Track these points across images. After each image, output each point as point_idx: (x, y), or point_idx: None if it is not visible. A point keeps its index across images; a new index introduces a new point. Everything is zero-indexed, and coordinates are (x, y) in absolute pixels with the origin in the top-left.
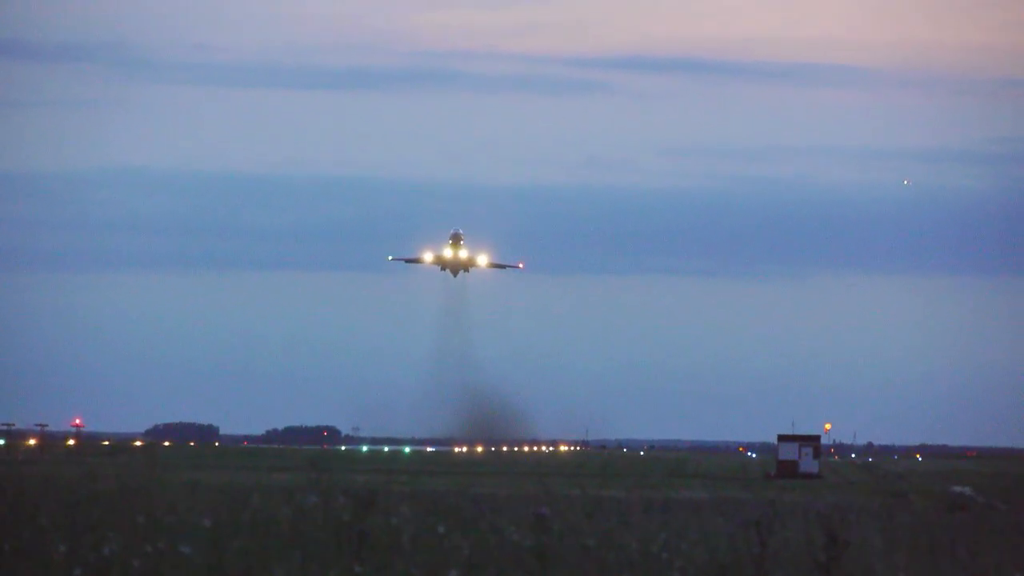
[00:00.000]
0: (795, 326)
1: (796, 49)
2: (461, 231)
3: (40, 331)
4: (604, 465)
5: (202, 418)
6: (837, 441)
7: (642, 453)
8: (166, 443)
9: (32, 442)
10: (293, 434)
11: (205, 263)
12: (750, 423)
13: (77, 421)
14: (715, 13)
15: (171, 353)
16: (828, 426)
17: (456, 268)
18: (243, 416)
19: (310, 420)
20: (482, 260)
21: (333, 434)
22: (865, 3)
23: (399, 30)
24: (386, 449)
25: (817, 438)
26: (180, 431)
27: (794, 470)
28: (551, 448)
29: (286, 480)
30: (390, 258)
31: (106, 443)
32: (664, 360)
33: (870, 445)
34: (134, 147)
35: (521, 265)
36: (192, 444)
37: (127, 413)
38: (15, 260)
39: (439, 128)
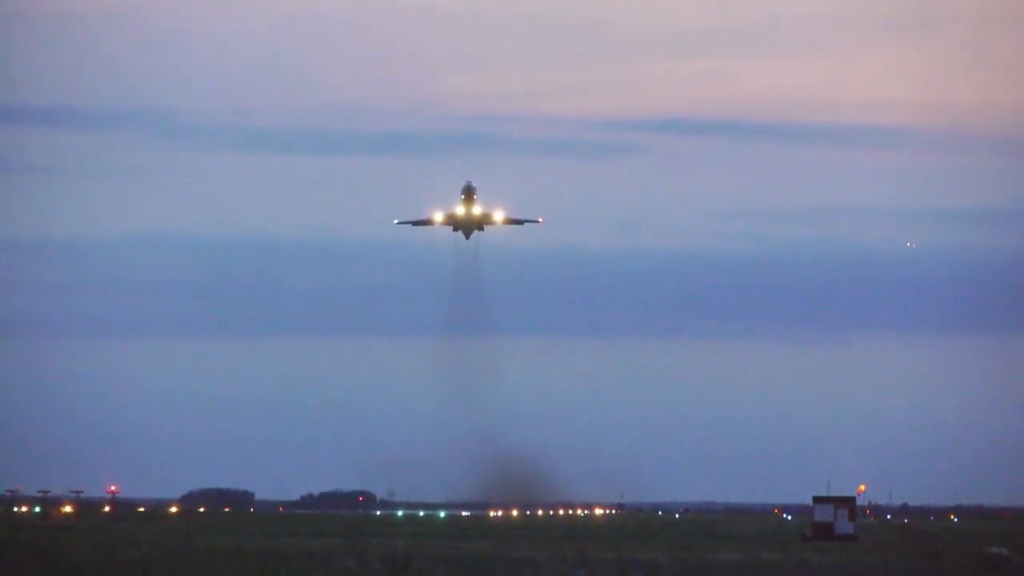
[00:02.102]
0: (830, 386)
1: (833, 111)
2: (474, 184)
3: (76, 397)
4: (640, 528)
5: (237, 484)
6: (872, 502)
7: (677, 516)
8: (201, 509)
9: (68, 509)
10: (329, 499)
11: (242, 328)
12: (785, 485)
13: (112, 488)
14: (751, 75)
15: (206, 418)
16: (863, 487)
17: (469, 226)
18: (278, 481)
19: (346, 485)
20: (498, 216)
21: (369, 499)
22: (902, 65)
23: (436, 93)
24: (421, 513)
25: (852, 499)
26: (215, 497)
27: (830, 532)
28: (586, 511)
29: (322, 546)
30: (396, 222)
31: (141, 509)
32: (700, 421)
33: (905, 506)
34: (173, 213)
35: (541, 220)
36: (227, 510)
37: (162, 479)
38: (53, 325)
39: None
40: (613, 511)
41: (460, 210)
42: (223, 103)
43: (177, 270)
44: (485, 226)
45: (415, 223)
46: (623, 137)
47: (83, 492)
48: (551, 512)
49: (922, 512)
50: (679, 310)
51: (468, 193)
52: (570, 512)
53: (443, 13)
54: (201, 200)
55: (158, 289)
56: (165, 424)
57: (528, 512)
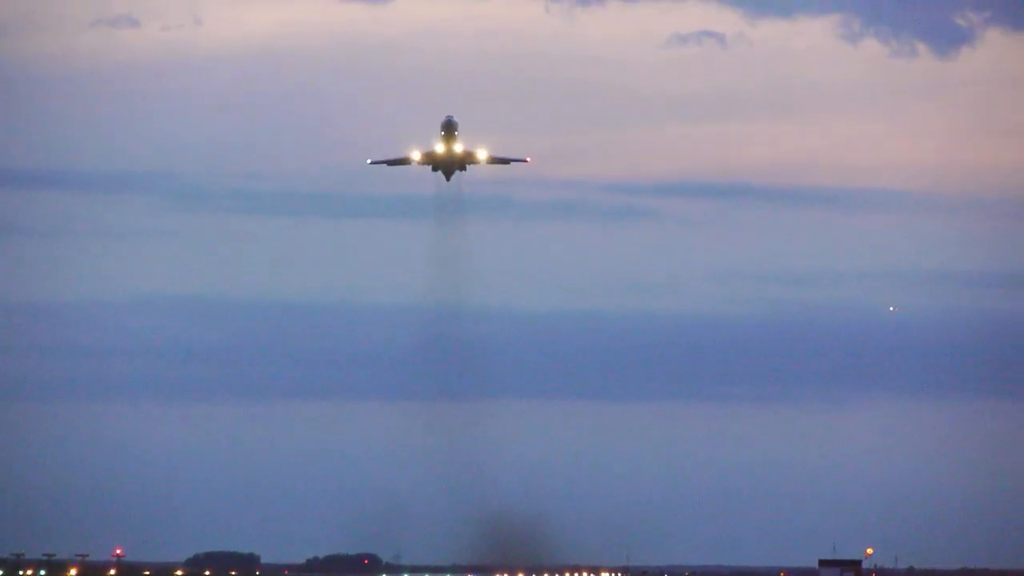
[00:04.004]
0: (837, 449)
1: (840, 174)
2: (455, 119)
3: (82, 459)
4: None
5: (243, 547)
6: (879, 566)
7: None
8: (207, 573)
9: (73, 572)
10: (334, 562)
11: (248, 391)
12: (792, 547)
13: (118, 551)
14: (759, 139)
15: (211, 481)
16: (870, 551)
17: (450, 166)
18: (284, 544)
19: (351, 548)
20: (481, 154)
21: (374, 562)
22: (910, 129)
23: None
24: None
25: (858, 563)
26: (221, 560)
27: None
28: (592, 574)
29: None
30: (370, 162)
31: (147, 573)
32: (706, 484)
33: (912, 569)
34: (182, 275)
35: (529, 159)
36: (233, 573)
37: (168, 542)
38: (58, 389)
39: (484, 254)
40: (619, 574)
41: (440, 147)
42: (232, 166)
43: (184, 333)
44: (468, 165)
45: (390, 163)
46: (629, 200)
47: (88, 555)
48: (556, 575)
49: (928, 575)
50: (685, 373)
51: (448, 129)
52: (576, 575)
53: (450, 77)
54: (210, 263)
55: (165, 352)
56: (171, 487)
57: (533, 575)
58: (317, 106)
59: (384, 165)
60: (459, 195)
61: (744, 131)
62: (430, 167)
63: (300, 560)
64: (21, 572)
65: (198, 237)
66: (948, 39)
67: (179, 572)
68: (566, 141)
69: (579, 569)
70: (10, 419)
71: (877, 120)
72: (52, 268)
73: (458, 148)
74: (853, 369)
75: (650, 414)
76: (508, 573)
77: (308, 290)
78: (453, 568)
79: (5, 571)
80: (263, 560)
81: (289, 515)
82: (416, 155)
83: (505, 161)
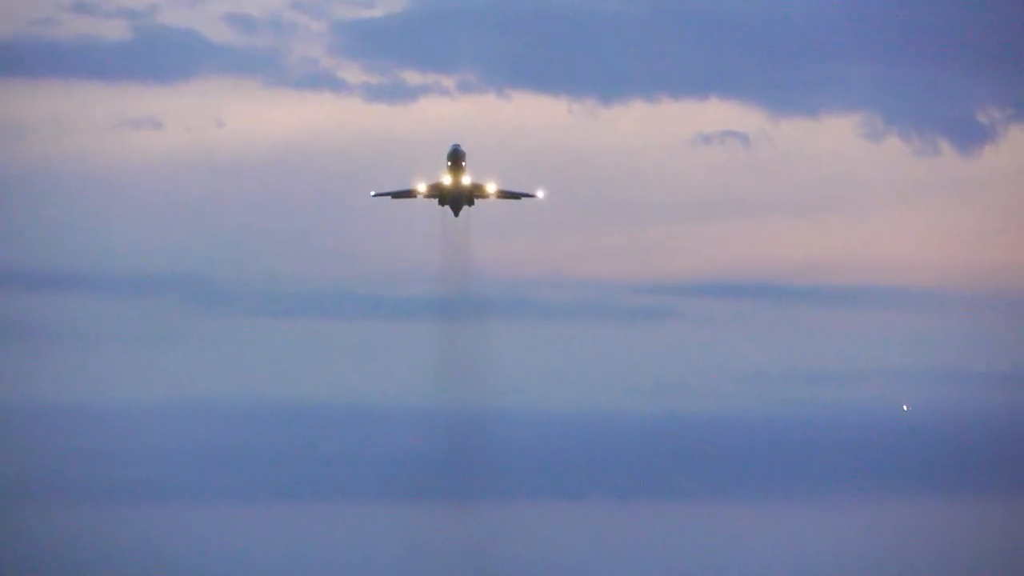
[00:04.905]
0: (865, 550)
1: (864, 272)
2: (462, 148)
3: (108, 564)
4: None
5: None
6: None
7: None
8: None
9: None
10: None
11: (274, 493)
12: None
13: None
14: (781, 238)
15: None
16: None
17: (458, 200)
18: None
19: None
20: (491, 187)
21: None
22: (933, 226)
23: (467, 258)
24: None
25: None
26: None
27: None
28: None
29: None
30: (373, 194)
31: None
32: None
33: None
34: (206, 378)
35: (540, 193)
36: None
37: None
38: (87, 493)
39: (504, 355)
40: None
41: (447, 179)
42: (255, 267)
43: (209, 436)
44: (476, 199)
45: (395, 195)
46: (652, 300)
47: None
48: None
49: None
50: (709, 473)
51: (455, 159)
52: None
53: (473, 177)
54: (234, 365)
55: (190, 455)
56: None
57: None
58: (341, 207)
59: (388, 197)
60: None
61: (767, 230)
62: (437, 200)
63: None
64: None
65: (219, 339)
66: (971, 136)
67: None
68: (588, 241)
69: None
70: (32, 521)
71: (900, 218)
72: (73, 371)
73: (466, 180)
74: (880, 468)
75: (673, 514)
76: None
77: (331, 391)
78: None
79: None
80: None
81: None
82: (422, 187)
83: (516, 196)
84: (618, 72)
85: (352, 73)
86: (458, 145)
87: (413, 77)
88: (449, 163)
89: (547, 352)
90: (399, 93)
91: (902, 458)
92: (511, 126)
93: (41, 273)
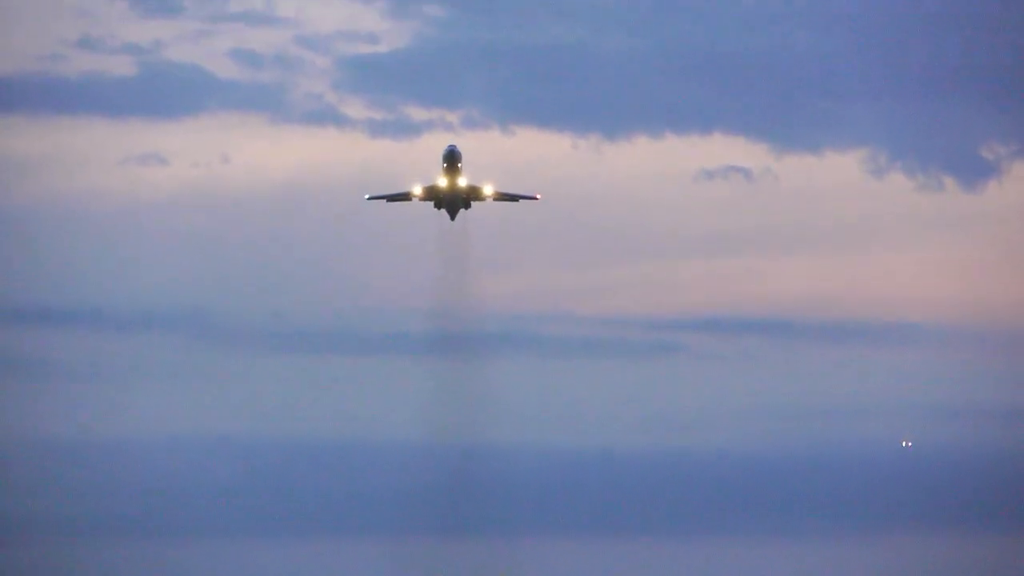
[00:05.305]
0: None
1: (868, 308)
2: (458, 149)
3: None
4: None
5: None
6: None
7: None
8: None
9: None
10: None
11: (279, 528)
12: None
13: None
14: (786, 273)
15: None
16: None
17: (454, 202)
18: None
19: None
20: (488, 189)
21: None
22: (937, 262)
23: (471, 294)
24: None
25: None
26: None
27: None
28: None
29: None
30: (368, 197)
31: None
32: None
33: None
34: (211, 415)
35: (539, 196)
36: None
37: None
38: (92, 527)
39: (510, 392)
40: None
41: (443, 181)
42: (260, 304)
43: (213, 471)
44: (473, 202)
45: (390, 198)
46: (658, 336)
47: None
48: None
49: None
50: (715, 509)
51: (451, 160)
52: None
53: (477, 212)
54: (238, 401)
55: (194, 490)
56: None
57: None
58: (345, 242)
59: (383, 201)
60: (484, 331)
61: (772, 266)
62: (432, 203)
63: None
64: None
65: (223, 375)
66: (975, 172)
67: None
68: (592, 276)
69: None
70: (37, 557)
71: (904, 254)
72: (78, 407)
73: (462, 182)
74: (887, 506)
75: (677, 550)
76: None
77: (334, 427)
78: None
79: None
80: None
81: None
82: (417, 190)
83: (514, 198)
84: (622, 108)
85: (356, 108)
86: (454, 146)
87: (417, 113)
88: (445, 164)
89: (551, 387)
90: (403, 128)
91: (905, 494)
92: (515, 163)
93: (47, 309)
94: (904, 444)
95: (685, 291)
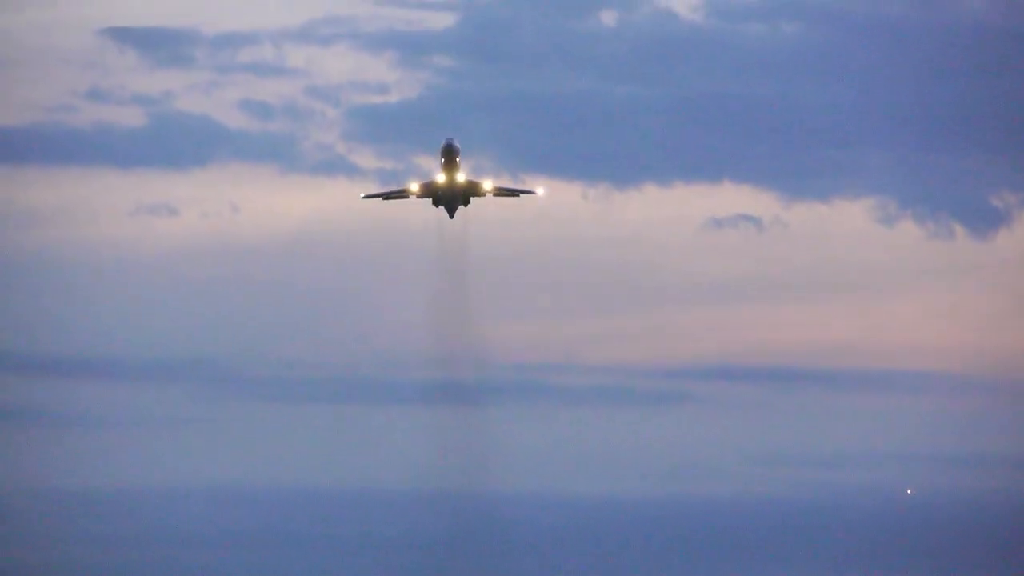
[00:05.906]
0: None
1: (878, 356)
2: (456, 143)
3: None
4: None
5: None
6: None
7: None
8: None
9: None
10: None
11: None
12: None
13: None
14: (795, 322)
15: None
16: None
17: (453, 199)
18: None
19: None
20: (488, 184)
21: None
22: (948, 310)
23: (479, 342)
24: None
25: None
26: None
27: None
28: None
29: None
30: (363, 196)
31: None
32: None
33: None
34: (221, 464)
35: (540, 190)
36: None
37: None
38: None
39: (518, 441)
40: None
41: (441, 177)
42: (269, 352)
43: (221, 521)
44: (473, 198)
45: (386, 196)
46: (668, 384)
47: None
48: None
49: None
50: (728, 557)
51: (449, 155)
52: None
53: (483, 262)
54: (248, 451)
55: (203, 540)
56: None
57: None
58: (354, 292)
59: (379, 199)
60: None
61: (782, 314)
62: (430, 200)
63: None
64: None
65: (233, 425)
66: (984, 221)
67: None
68: (601, 324)
69: None
70: None
71: (915, 302)
72: (90, 457)
73: (461, 178)
74: (898, 553)
75: None
76: None
77: (344, 476)
78: None
79: None
80: None
81: None
82: (414, 187)
83: (514, 193)
84: (631, 157)
85: (366, 158)
86: (452, 139)
87: (427, 162)
88: (443, 159)
89: (559, 436)
90: (413, 178)
91: (913, 542)
92: (524, 212)
93: (56, 359)
94: (908, 492)
95: (694, 339)
